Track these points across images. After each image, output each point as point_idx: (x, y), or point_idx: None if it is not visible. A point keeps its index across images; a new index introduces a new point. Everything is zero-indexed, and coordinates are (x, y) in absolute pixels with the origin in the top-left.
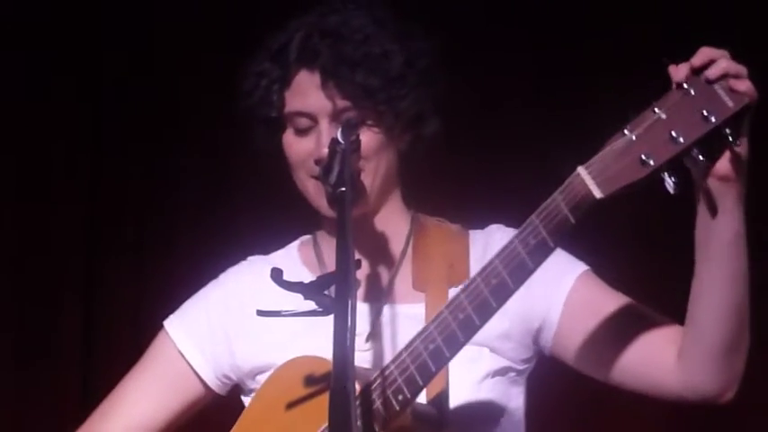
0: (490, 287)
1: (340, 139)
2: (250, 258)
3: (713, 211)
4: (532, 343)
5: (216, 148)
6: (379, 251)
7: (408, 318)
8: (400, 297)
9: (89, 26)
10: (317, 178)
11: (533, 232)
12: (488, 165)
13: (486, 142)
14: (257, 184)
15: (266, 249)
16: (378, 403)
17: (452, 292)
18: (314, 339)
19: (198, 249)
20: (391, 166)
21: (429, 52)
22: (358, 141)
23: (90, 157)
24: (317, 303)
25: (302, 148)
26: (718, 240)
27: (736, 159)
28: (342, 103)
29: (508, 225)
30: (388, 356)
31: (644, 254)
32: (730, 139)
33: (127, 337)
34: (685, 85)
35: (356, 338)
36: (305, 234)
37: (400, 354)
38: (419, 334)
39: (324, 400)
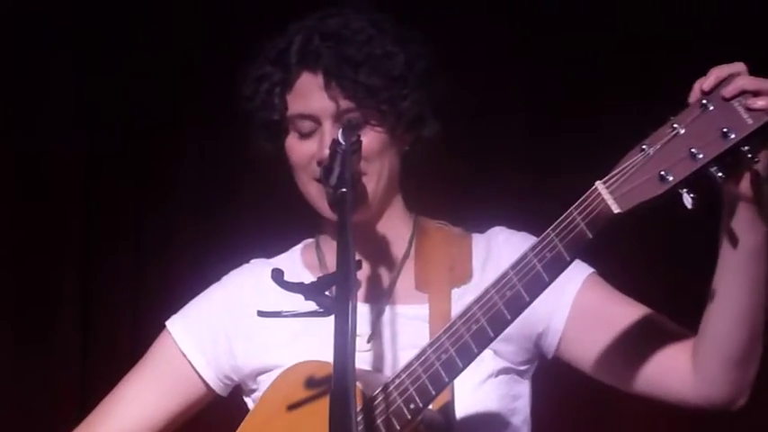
0: (505, 299)
1: (341, 140)
2: (252, 261)
3: (734, 225)
4: (533, 346)
5: (216, 149)
6: (381, 253)
7: (410, 319)
8: (401, 298)
9: (88, 26)
10: (319, 181)
11: (549, 246)
12: (488, 169)
13: (485, 147)
14: (257, 185)
15: (266, 249)
16: (389, 412)
17: (455, 292)
18: (314, 340)
19: (196, 250)
20: (393, 169)
21: (428, 55)
22: (359, 142)
23: (89, 156)
24: (317, 304)
25: (305, 151)
26: (738, 253)
27: (755, 176)
28: (345, 104)
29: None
30: (388, 357)
31: (655, 262)
32: (749, 156)
33: (125, 338)
34: (704, 101)
35: (357, 339)
36: (307, 237)
37: (411, 363)
38: (430, 344)
39: (326, 402)
